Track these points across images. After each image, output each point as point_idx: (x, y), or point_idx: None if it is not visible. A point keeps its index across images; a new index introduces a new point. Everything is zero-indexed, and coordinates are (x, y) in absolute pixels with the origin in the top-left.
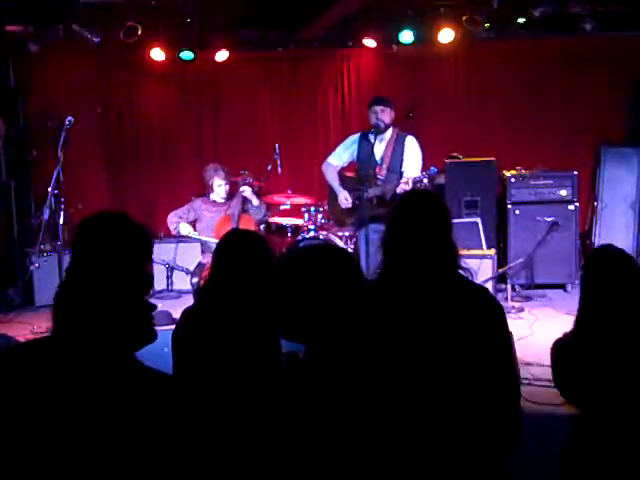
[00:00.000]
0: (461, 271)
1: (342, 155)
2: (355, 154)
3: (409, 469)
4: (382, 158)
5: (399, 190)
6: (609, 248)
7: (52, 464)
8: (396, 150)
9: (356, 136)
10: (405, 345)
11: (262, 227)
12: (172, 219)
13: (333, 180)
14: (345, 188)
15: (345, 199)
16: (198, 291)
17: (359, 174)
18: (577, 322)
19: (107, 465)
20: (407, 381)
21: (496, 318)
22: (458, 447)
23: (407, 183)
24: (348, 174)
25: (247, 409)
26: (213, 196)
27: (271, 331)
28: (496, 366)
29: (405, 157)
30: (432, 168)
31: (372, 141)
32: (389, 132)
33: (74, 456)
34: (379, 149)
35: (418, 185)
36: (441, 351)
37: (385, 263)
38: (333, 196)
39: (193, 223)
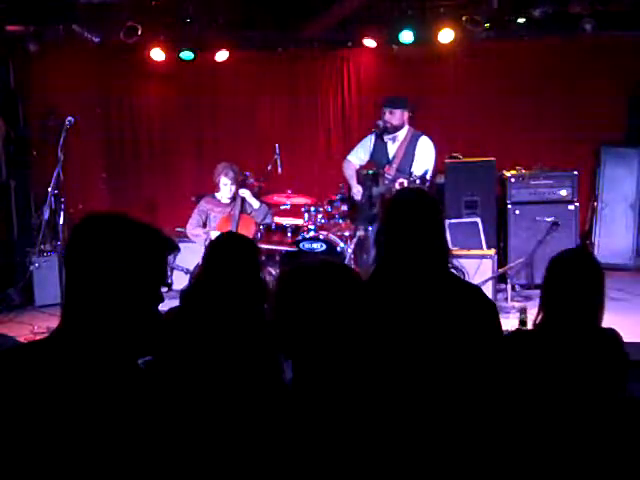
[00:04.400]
0: (453, 270)
1: (360, 153)
2: (371, 152)
3: (405, 467)
4: (393, 157)
5: (393, 192)
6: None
7: (48, 464)
8: (408, 150)
9: (373, 134)
10: (398, 344)
11: (262, 227)
12: (196, 231)
13: (351, 177)
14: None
15: (357, 191)
16: (183, 293)
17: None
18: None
19: (103, 468)
20: (401, 380)
21: (488, 316)
22: (452, 444)
23: (402, 184)
24: (363, 171)
25: (232, 412)
26: (218, 195)
27: (259, 335)
28: (489, 363)
29: (416, 157)
30: (425, 171)
31: (384, 140)
32: (403, 132)
33: (70, 458)
34: (392, 148)
35: (412, 186)
36: (434, 349)
37: (377, 261)
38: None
39: (204, 225)
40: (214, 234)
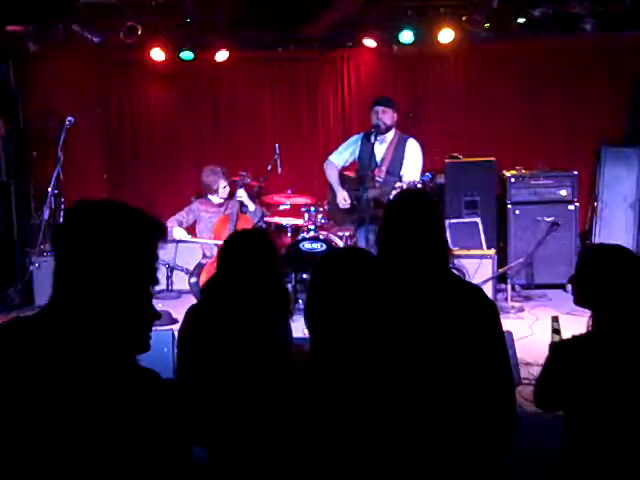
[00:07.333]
0: (454, 270)
1: (344, 154)
2: (356, 154)
3: (405, 467)
4: (382, 160)
5: (392, 196)
6: (606, 246)
7: (29, 459)
8: (397, 153)
9: (358, 136)
10: (399, 344)
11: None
12: (168, 224)
13: (333, 179)
14: (345, 188)
15: (344, 199)
16: (202, 288)
17: (359, 174)
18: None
19: (91, 466)
20: (402, 379)
21: (489, 316)
22: (454, 446)
23: (401, 188)
24: (349, 174)
25: (254, 405)
26: (212, 197)
27: (278, 327)
28: (490, 364)
29: (405, 160)
30: (427, 174)
31: (372, 141)
32: (391, 134)
33: (53, 451)
34: (380, 150)
35: (412, 188)
36: (435, 349)
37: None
38: (333, 195)
39: (193, 225)
40: (176, 232)
